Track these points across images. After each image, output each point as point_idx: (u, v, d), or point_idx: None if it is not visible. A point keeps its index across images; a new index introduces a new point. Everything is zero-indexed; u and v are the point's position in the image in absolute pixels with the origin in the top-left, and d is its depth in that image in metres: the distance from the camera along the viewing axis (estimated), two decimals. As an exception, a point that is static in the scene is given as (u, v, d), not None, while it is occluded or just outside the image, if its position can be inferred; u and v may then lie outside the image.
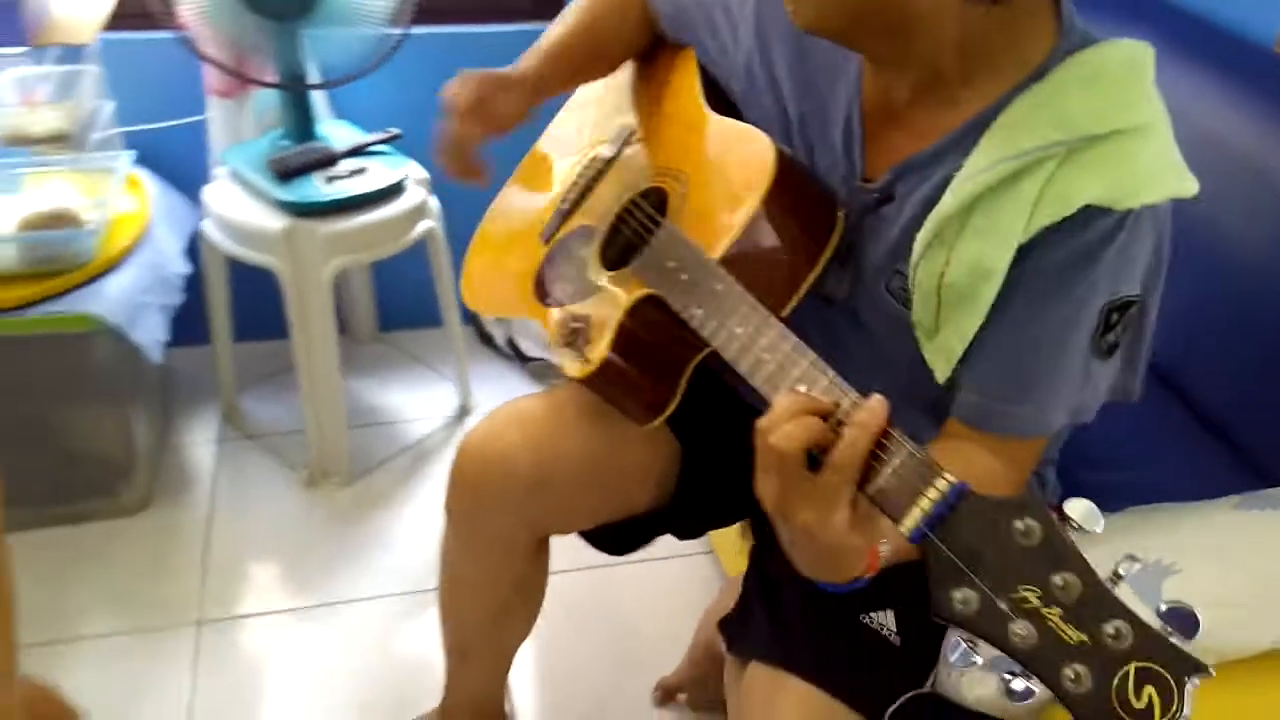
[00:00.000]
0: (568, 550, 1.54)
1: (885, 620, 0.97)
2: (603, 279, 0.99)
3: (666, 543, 1.13)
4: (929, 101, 0.88)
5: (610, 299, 0.96)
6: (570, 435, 1.05)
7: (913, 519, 0.61)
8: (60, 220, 1.54)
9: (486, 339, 2.17)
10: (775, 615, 1.02)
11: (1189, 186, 0.82)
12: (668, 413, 0.97)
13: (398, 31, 1.63)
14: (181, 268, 1.74)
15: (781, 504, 0.68)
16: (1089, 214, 0.79)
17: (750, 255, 0.87)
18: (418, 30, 1.65)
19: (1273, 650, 0.86)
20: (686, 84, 1.07)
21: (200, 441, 1.92)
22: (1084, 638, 0.53)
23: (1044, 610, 0.54)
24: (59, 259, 1.53)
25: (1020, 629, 0.55)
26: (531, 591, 1.20)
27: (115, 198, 1.64)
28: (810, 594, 0.99)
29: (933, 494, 0.61)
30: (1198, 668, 0.52)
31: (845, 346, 0.98)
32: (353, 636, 1.58)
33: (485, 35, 1.90)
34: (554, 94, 1.16)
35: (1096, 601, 0.54)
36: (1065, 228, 0.80)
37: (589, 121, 1.20)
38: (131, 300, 1.57)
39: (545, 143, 1.24)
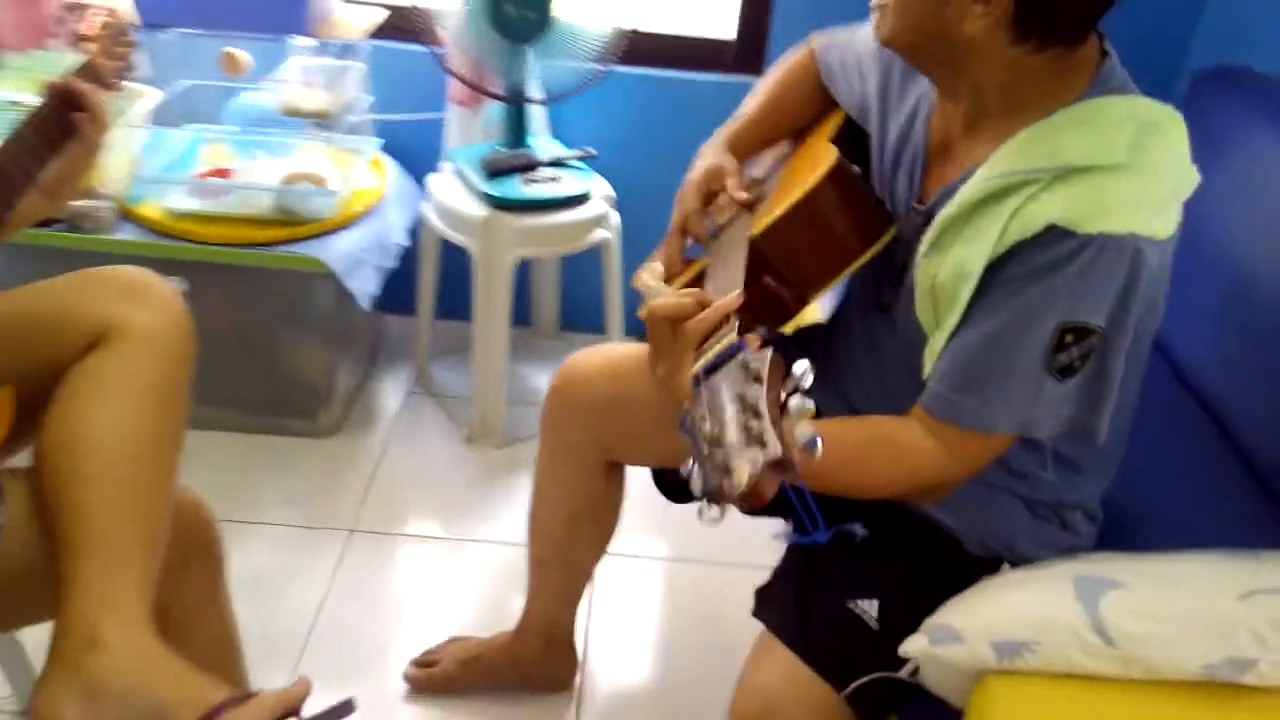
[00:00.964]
0: (676, 540, 1.74)
1: (869, 608, 1.09)
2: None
3: (774, 550, 1.27)
4: (976, 135, 1.02)
5: (693, 269, 1.18)
6: (646, 375, 1.25)
7: (699, 364, 0.79)
8: (312, 181, 1.89)
9: (648, 351, 2.38)
10: (784, 590, 1.16)
11: (1158, 228, 0.91)
12: None
13: (605, 67, 1.89)
14: (402, 240, 2.07)
15: (651, 358, 0.90)
16: (1054, 234, 0.90)
17: (785, 240, 1.05)
18: (623, 69, 1.91)
19: (1205, 679, 0.92)
20: (829, 126, 1.26)
21: (391, 391, 2.25)
22: (738, 435, 0.67)
23: (731, 419, 0.68)
24: (305, 212, 1.88)
25: (710, 428, 0.69)
26: (601, 512, 1.40)
27: (359, 173, 1.99)
28: (810, 576, 1.14)
29: (718, 348, 0.79)
30: (781, 467, 0.64)
31: (881, 347, 1.14)
32: (474, 571, 1.82)
33: (682, 80, 2.13)
34: (754, 154, 1.34)
35: (759, 411, 0.67)
36: (1033, 244, 0.91)
37: (776, 151, 1.41)
38: (354, 255, 1.90)
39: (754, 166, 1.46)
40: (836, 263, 1.07)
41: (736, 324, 0.84)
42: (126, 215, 1.87)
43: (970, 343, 0.96)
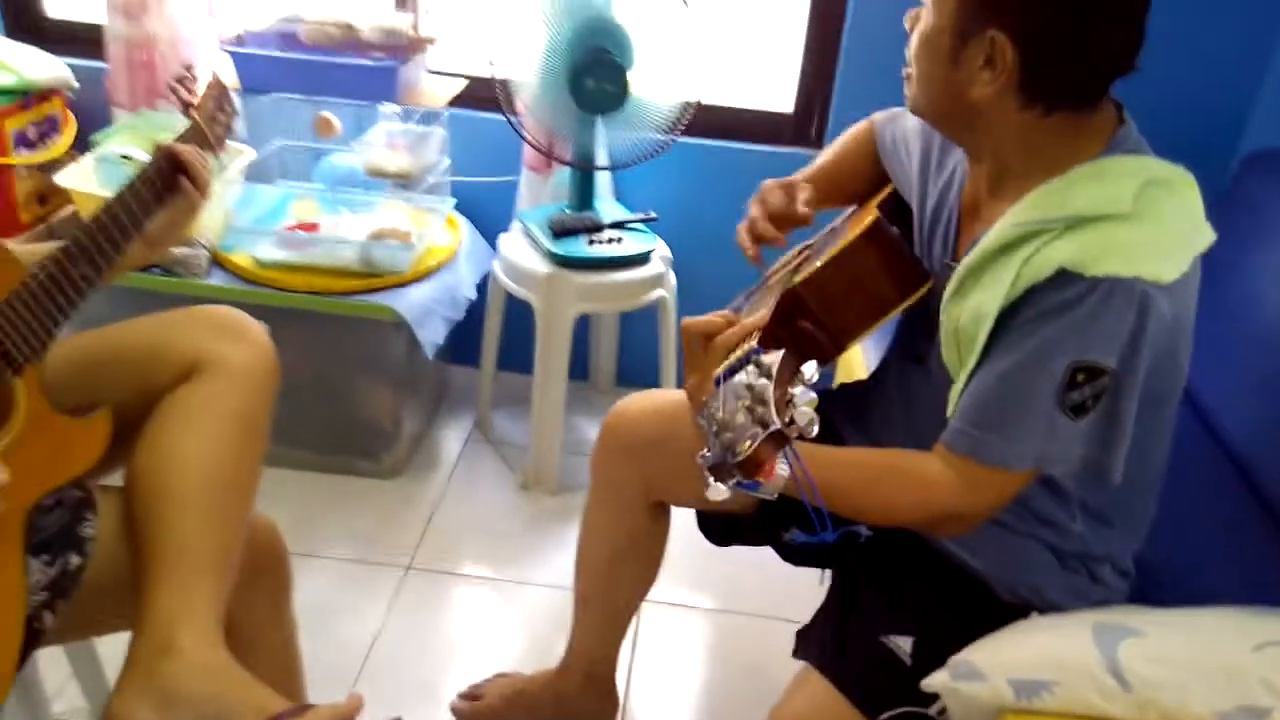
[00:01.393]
0: (719, 591, 1.78)
1: (903, 644, 1.14)
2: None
3: (815, 603, 1.30)
4: (1000, 195, 1.10)
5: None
6: (692, 420, 1.32)
7: (721, 369, 0.88)
8: (398, 237, 2.02)
9: (702, 409, 2.45)
10: (823, 624, 1.23)
11: (1164, 272, 0.96)
12: None
13: (670, 138, 2.00)
14: (471, 294, 2.18)
15: (685, 372, 1.01)
16: (1063, 277, 0.97)
17: (824, 289, 1.14)
18: (686, 140, 2.02)
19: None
20: (879, 196, 1.35)
21: (452, 437, 2.35)
22: (745, 419, 0.75)
23: (740, 405, 0.76)
24: (384, 265, 2.01)
25: (723, 416, 0.77)
26: (645, 550, 1.46)
27: (434, 231, 2.12)
28: (848, 612, 1.19)
29: (738, 354, 0.88)
30: (779, 439, 0.72)
31: (914, 397, 1.21)
32: (523, 612, 1.89)
33: (741, 151, 2.22)
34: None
35: (765, 399, 0.75)
36: (1045, 287, 0.98)
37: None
38: (424, 306, 2.02)
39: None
40: (872, 312, 1.16)
41: (757, 337, 0.94)
42: (219, 262, 2.02)
43: (988, 381, 1.02)
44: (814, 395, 0.73)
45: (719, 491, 0.73)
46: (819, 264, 1.16)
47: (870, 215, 1.18)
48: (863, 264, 1.16)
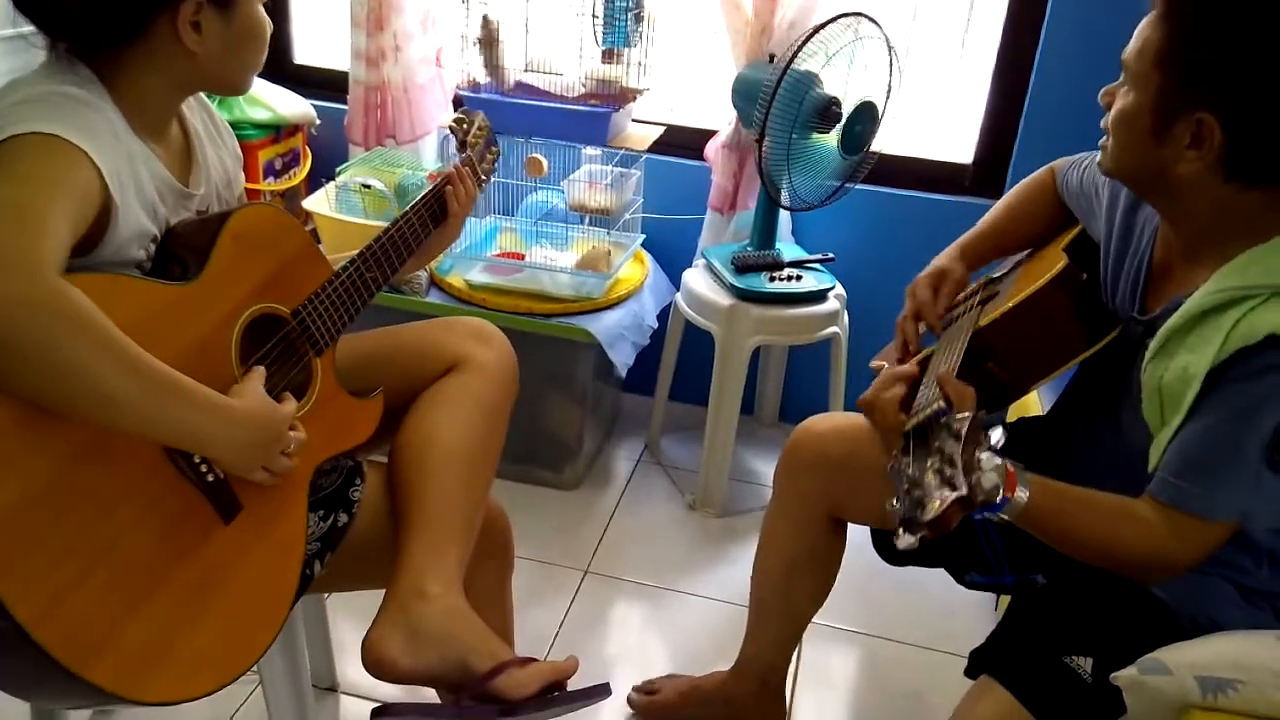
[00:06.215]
0: (884, 618, 1.85)
1: (1084, 664, 1.18)
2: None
3: (976, 637, 1.31)
4: (1196, 259, 1.17)
5: (924, 353, 1.35)
6: (873, 441, 1.36)
7: (911, 423, 0.98)
8: (592, 267, 2.21)
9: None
10: (1003, 639, 1.27)
11: None
12: None
13: (849, 184, 2.13)
14: (653, 322, 2.35)
15: (874, 421, 1.19)
16: (1273, 342, 1.03)
17: (1011, 332, 1.21)
18: (863, 186, 2.14)
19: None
20: (1066, 236, 1.40)
21: (625, 456, 2.52)
22: (934, 478, 0.85)
23: (931, 465, 0.86)
24: (581, 292, 2.20)
25: (913, 472, 0.88)
26: (822, 563, 1.55)
27: (624, 263, 2.30)
28: (1030, 632, 1.24)
29: (928, 411, 0.98)
30: (966, 504, 0.81)
31: (1101, 445, 1.27)
32: (686, 620, 2.02)
33: (919, 199, 2.33)
34: (986, 263, 1.51)
35: (954, 461, 0.85)
36: (1253, 351, 1.04)
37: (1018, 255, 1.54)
38: (615, 330, 2.20)
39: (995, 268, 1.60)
40: (1058, 357, 1.22)
41: (940, 392, 1.03)
42: (436, 283, 2.25)
43: (1195, 436, 1.08)
44: (1000, 461, 0.82)
45: (907, 542, 0.83)
46: (1008, 306, 1.22)
47: (1060, 260, 1.23)
48: (1051, 309, 1.21)
